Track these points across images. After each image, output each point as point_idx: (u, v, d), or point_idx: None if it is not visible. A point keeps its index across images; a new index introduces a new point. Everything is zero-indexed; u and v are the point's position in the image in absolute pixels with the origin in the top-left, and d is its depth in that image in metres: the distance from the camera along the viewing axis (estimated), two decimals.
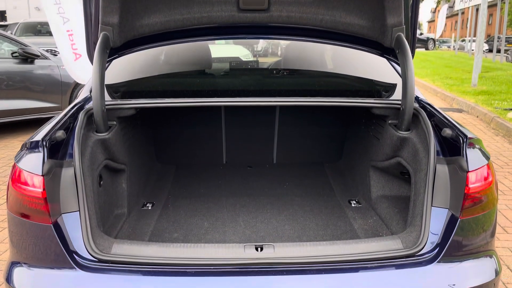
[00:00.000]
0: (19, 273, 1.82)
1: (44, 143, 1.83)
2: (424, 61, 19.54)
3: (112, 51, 2.43)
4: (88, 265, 1.75)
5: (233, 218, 2.60)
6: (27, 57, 6.70)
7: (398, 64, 2.47)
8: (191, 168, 3.51)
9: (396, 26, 2.30)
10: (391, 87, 2.61)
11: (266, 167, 3.54)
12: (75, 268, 1.74)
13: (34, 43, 9.14)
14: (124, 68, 2.80)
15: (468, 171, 1.83)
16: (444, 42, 40.35)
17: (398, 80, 2.55)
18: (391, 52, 2.56)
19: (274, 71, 3.51)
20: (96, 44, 2.23)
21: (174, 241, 2.33)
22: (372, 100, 2.40)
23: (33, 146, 1.86)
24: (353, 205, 2.80)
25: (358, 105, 2.36)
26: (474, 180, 1.85)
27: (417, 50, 2.65)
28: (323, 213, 2.69)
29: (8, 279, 1.82)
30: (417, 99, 2.44)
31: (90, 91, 2.39)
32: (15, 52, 6.67)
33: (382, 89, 2.69)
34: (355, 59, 3.12)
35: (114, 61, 2.62)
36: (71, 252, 1.77)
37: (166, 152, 3.56)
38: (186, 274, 1.74)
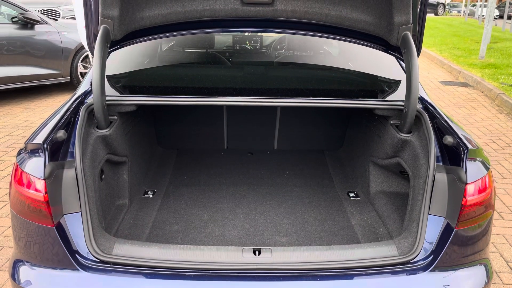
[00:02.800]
0: (23, 272, 1.87)
1: (45, 146, 1.83)
2: (432, 29, 19.06)
3: (113, 43, 2.39)
4: (90, 266, 1.80)
5: (232, 210, 2.64)
6: (26, 23, 6.58)
7: (403, 61, 2.43)
8: (192, 153, 3.52)
9: (403, 24, 2.24)
10: (395, 84, 2.57)
11: (267, 154, 3.55)
12: (78, 269, 1.79)
13: (32, 2, 8.93)
14: (123, 51, 2.75)
15: (466, 183, 1.85)
16: (454, 6, 39.20)
17: (402, 76, 2.51)
18: (396, 49, 2.51)
19: (275, 63, 3.46)
20: (96, 36, 2.19)
21: (174, 234, 2.38)
22: (374, 102, 2.38)
23: (34, 148, 1.87)
24: (351, 198, 2.83)
25: (360, 106, 2.34)
26: (472, 192, 1.86)
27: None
28: (322, 206, 2.73)
29: (14, 277, 1.87)
30: (420, 99, 2.42)
31: (91, 84, 2.37)
32: (15, 17, 6.54)
33: (386, 85, 2.66)
34: (360, 47, 3.06)
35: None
36: (74, 253, 1.81)
37: (168, 136, 3.56)
38: (185, 277, 1.79)
